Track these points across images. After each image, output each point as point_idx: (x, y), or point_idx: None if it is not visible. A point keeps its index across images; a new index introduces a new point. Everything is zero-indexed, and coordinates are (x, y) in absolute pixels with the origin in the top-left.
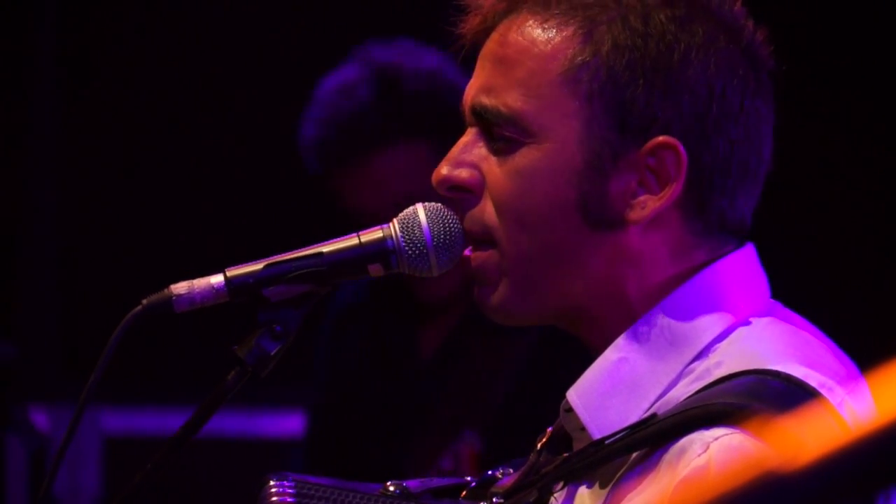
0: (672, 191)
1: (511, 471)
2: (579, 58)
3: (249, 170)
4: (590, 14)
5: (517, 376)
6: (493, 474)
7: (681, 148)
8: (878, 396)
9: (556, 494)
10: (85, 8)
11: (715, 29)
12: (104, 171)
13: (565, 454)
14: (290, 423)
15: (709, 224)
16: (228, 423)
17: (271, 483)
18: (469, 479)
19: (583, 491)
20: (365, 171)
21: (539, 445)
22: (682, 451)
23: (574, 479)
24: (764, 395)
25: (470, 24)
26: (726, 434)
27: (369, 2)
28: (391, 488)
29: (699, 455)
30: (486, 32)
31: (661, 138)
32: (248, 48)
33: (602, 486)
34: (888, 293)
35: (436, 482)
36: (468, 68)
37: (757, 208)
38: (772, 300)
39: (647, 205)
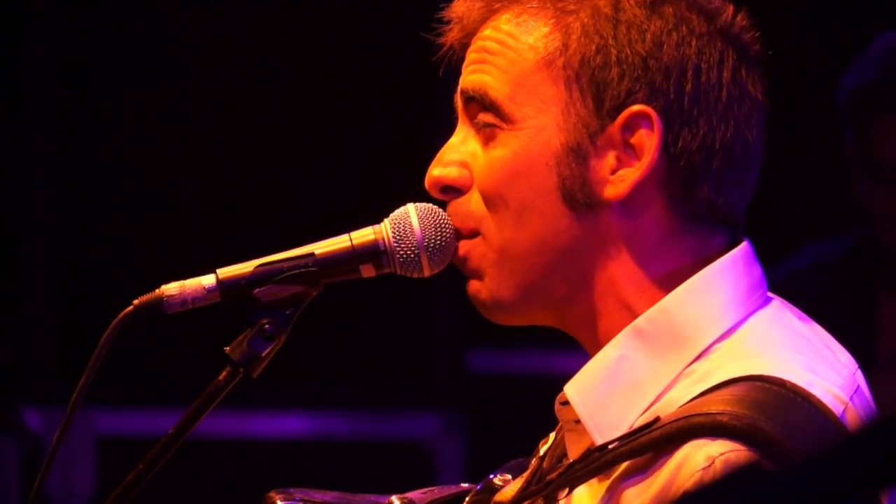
0: (650, 159)
1: (509, 477)
2: (552, 46)
3: (243, 172)
4: (561, 6)
5: None
6: (491, 480)
7: (653, 114)
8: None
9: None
10: (80, 10)
11: (686, 11)
12: (99, 174)
13: (569, 461)
14: (286, 424)
15: (695, 209)
16: (224, 424)
17: (275, 499)
18: (466, 485)
19: (580, 490)
20: None
21: (542, 450)
22: (686, 460)
23: (578, 484)
24: (768, 407)
25: (452, 35)
26: (732, 451)
27: (354, 6)
28: (396, 502)
29: (704, 469)
30: (467, 39)
31: (634, 107)
32: (240, 51)
33: (599, 483)
34: None
35: (437, 493)
36: (450, 79)
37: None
38: (769, 294)
39: (627, 177)
